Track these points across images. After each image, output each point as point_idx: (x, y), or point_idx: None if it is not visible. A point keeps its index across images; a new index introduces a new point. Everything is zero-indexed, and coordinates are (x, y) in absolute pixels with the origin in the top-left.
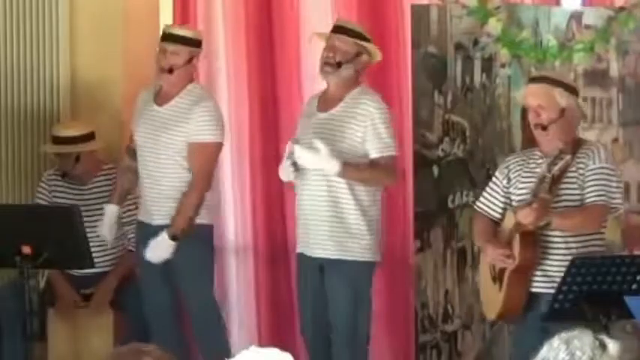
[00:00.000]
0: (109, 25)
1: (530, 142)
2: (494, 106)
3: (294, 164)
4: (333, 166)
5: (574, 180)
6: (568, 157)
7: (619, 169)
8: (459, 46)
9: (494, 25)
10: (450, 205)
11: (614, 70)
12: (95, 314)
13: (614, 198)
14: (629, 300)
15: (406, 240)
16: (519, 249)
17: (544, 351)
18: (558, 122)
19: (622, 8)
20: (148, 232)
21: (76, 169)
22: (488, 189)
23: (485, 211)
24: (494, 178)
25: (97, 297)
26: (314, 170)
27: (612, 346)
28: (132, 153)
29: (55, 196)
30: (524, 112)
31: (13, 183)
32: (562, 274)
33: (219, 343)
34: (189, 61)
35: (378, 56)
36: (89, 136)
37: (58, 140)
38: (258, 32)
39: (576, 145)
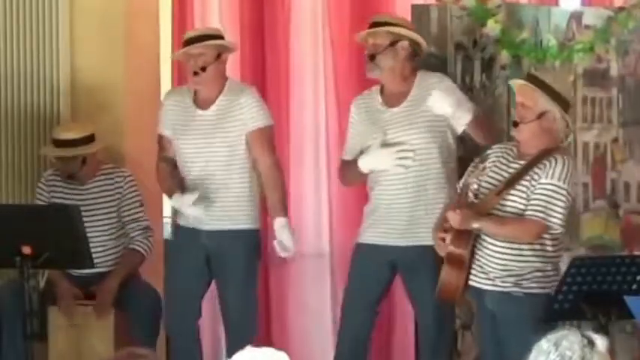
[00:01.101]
0: (109, 25)
1: None
2: (494, 106)
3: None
4: (468, 111)
5: (524, 189)
6: (483, 166)
7: (572, 189)
8: (459, 46)
9: (492, 27)
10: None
11: (614, 70)
12: (98, 314)
13: (553, 216)
14: (629, 300)
15: None
16: (450, 242)
17: (533, 355)
18: (532, 124)
19: (621, 8)
20: (195, 238)
21: (82, 171)
22: (467, 171)
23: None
24: (476, 159)
25: (100, 297)
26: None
27: (600, 342)
28: (168, 161)
29: (53, 197)
30: None
31: (13, 183)
32: (496, 273)
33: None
34: (218, 56)
35: (420, 41)
36: (91, 138)
37: (60, 143)
38: (252, 33)
39: (542, 155)
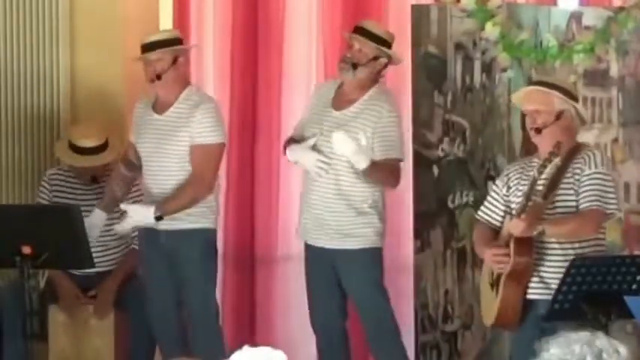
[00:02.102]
0: (109, 26)
1: (530, 143)
2: (494, 106)
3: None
4: (365, 160)
5: (570, 186)
6: (558, 158)
7: (616, 171)
8: (459, 46)
9: (490, 30)
10: (450, 205)
11: (614, 70)
12: (98, 314)
13: (609, 203)
14: (629, 300)
15: (406, 240)
16: (513, 254)
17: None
18: (553, 125)
19: (621, 8)
20: (154, 236)
21: (105, 174)
22: (489, 197)
23: (486, 220)
24: (494, 187)
25: (101, 297)
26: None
27: (622, 349)
28: (128, 163)
29: (56, 196)
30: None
31: (13, 183)
32: (558, 280)
33: (215, 345)
34: (174, 61)
35: (396, 58)
36: (107, 142)
37: (84, 151)
38: (244, 34)
39: (574, 151)
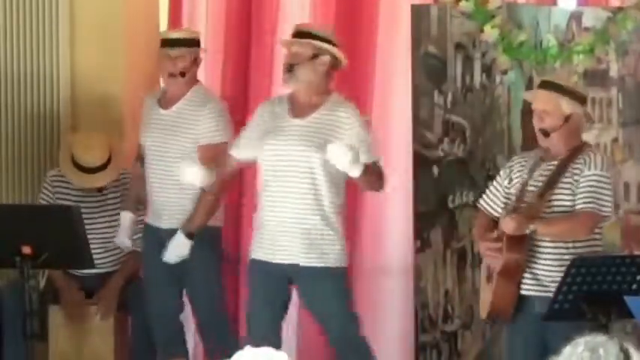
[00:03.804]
0: (109, 25)
1: (529, 142)
2: (494, 106)
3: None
4: (359, 167)
5: (568, 186)
6: (553, 169)
7: (616, 172)
8: (459, 46)
9: (489, 33)
10: (450, 205)
11: (614, 70)
12: (101, 316)
13: (604, 206)
14: (629, 300)
15: (406, 240)
16: (505, 251)
17: (566, 354)
18: (561, 129)
19: (620, 9)
20: (156, 235)
21: (111, 183)
22: (491, 187)
23: (486, 210)
24: (497, 177)
25: (103, 299)
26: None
27: (637, 357)
28: (142, 160)
29: (58, 198)
30: (524, 112)
31: (13, 183)
32: (551, 278)
33: (225, 343)
34: (194, 61)
35: (341, 58)
36: (110, 155)
37: (88, 170)
38: (237, 32)
39: (576, 151)
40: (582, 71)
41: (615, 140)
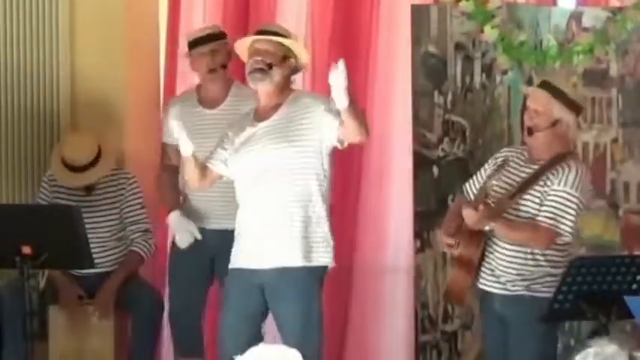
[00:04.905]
0: (109, 26)
1: None
2: (494, 106)
3: None
4: (346, 97)
5: (537, 195)
6: (530, 173)
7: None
8: (459, 46)
9: (489, 33)
10: (450, 205)
11: (614, 70)
12: (99, 317)
13: (564, 224)
14: (629, 300)
15: (406, 240)
16: (461, 242)
17: None
18: (547, 132)
19: (620, 9)
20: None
21: (99, 182)
22: (477, 174)
23: (468, 195)
24: (485, 165)
25: (101, 299)
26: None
27: None
28: (171, 170)
29: (56, 197)
30: (524, 111)
31: (13, 183)
32: (507, 277)
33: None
34: (229, 54)
35: (304, 57)
36: (99, 152)
37: (76, 169)
38: (234, 32)
39: (556, 159)
40: (582, 71)
41: (615, 140)
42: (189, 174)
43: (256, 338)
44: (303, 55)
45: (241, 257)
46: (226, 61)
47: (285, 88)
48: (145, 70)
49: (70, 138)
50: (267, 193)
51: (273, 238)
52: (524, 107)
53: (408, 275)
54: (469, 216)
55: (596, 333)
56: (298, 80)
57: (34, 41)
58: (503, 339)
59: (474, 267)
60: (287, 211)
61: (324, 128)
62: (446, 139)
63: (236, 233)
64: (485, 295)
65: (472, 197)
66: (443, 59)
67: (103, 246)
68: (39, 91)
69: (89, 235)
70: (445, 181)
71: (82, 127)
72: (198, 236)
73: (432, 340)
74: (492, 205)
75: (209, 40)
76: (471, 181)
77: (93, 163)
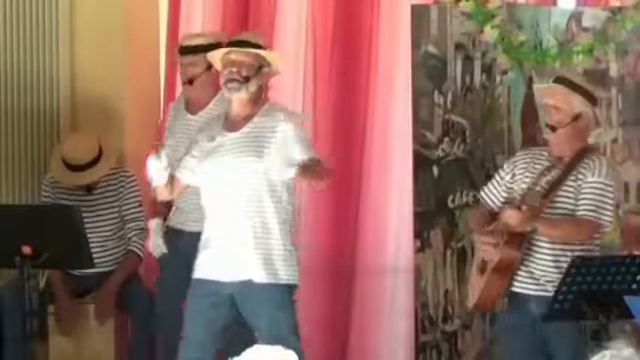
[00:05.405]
0: (109, 26)
1: (529, 142)
2: (494, 106)
3: None
4: (287, 169)
5: (571, 190)
6: (559, 171)
7: (618, 180)
8: (459, 46)
9: (490, 33)
10: (450, 205)
11: (614, 70)
12: (99, 319)
13: (604, 214)
14: (629, 300)
15: (406, 240)
16: (502, 246)
17: None
18: (569, 127)
19: (619, 9)
20: (177, 236)
21: (99, 182)
22: (493, 180)
23: (486, 202)
24: (500, 171)
25: (101, 300)
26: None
27: None
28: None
29: (59, 198)
30: (524, 112)
31: (13, 183)
32: (547, 277)
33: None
34: (209, 67)
35: (278, 65)
36: (100, 150)
37: (76, 168)
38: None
39: (581, 154)
40: (582, 71)
41: (615, 140)
42: (159, 186)
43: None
44: (277, 62)
45: (206, 268)
46: (197, 76)
47: (259, 98)
48: (145, 70)
49: (70, 138)
50: (231, 205)
51: (236, 251)
52: (524, 107)
53: (408, 275)
54: (513, 217)
55: (598, 333)
56: (299, 81)
57: (35, 41)
58: (539, 340)
59: (511, 271)
60: (248, 223)
61: (284, 162)
62: (446, 139)
63: (201, 242)
64: (517, 297)
65: (493, 203)
66: (443, 59)
67: (103, 246)
68: (39, 91)
69: (89, 235)
70: (445, 181)
71: (82, 127)
72: (165, 250)
73: (432, 340)
74: (528, 207)
75: (188, 52)
76: (486, 188)
77: (93, 162)
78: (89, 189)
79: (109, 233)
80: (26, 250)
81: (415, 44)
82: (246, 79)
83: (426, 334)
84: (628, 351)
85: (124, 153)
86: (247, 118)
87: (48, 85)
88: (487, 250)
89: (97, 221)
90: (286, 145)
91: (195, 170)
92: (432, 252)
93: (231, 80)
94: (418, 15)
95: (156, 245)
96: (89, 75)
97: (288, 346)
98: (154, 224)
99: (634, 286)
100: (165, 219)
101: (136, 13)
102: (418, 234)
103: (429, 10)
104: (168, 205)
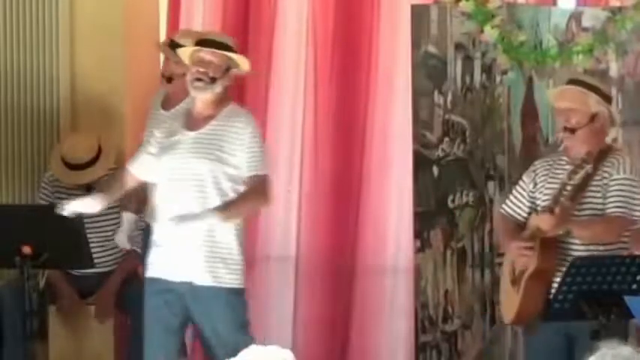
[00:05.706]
0: (109, 26)
1: (529, 142)
2: (494, 106)
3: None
4: (215, 216)
5: (598, 189)
6: (589, 166)
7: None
8: (459, 46)
9: (490, 33)
10: (450, 205)
11: (614, 70)
12: (99, 319)
13: (635, 210)
14: (629, 300)
15: (406, 240)
16: (538, 253)
17: None
18: (587, 127)
19: (619, 9)
20: None
21: (102, 180)
22: (514, 192)
23: (511, 215)
24: (520, 182)
25: (101, 301)
26: None
27: None
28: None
29: (58, 197)
30: (524, 112)
31: (13, 183)
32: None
33: None
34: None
35: (246, 66)
36: (99, 149)
37: (76, 167)
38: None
39: (603, 153)
40: (582, 71)
41: (615, 140)
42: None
43: (182, 351)
44: (244, 65)
45: (157, 267)
46: (177, 76)
47: (223, 99)
48: (145, 70)
49: (69, 137)
50: (180, 204)
51: (182, 252)
52: (524, 107)
53: (408, 275)
54: (546, 220)
55: (598, 333)
56: (299, 82)
57: (35, 42)
58: (559, 340)
59: (553, 276)
60: (194, 224)
61: (235, 172)
62: (446, 139)
63: (152, 240)
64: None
65: (518, 215)
66: (443, 59)
67: (103, 246)
68: (39, 92)
69: (89, 235)
70: (445, 181)
71: (82, 127)
72: (127, 247)
73: (432, 340)
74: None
75: (173, 48)
76: (509, 202)
77: (93, 161)
78: (88, 188)
79: (109, 233)
80: (26, 250)
81: (415, 44)
82: (213, 80)
83: (426, 334)
84: (627, 350)
85: (123, 152)
86: (208, 119)
87: (48, 84)
88: (524, 257)
89: (97, 221)
90: (242, 157)
91: (150, 167)
92: (432, 252)
93: (199, 79)
94: (418, 15)
95: (119, 239)
96: (89, 75)
97: (235, 345)
98: (124, 219)
99: (634, 286)
100: (138, 213)
101: (136, 13)
102: (418, 234)
103: (429, 10)
104: (137, 199)
